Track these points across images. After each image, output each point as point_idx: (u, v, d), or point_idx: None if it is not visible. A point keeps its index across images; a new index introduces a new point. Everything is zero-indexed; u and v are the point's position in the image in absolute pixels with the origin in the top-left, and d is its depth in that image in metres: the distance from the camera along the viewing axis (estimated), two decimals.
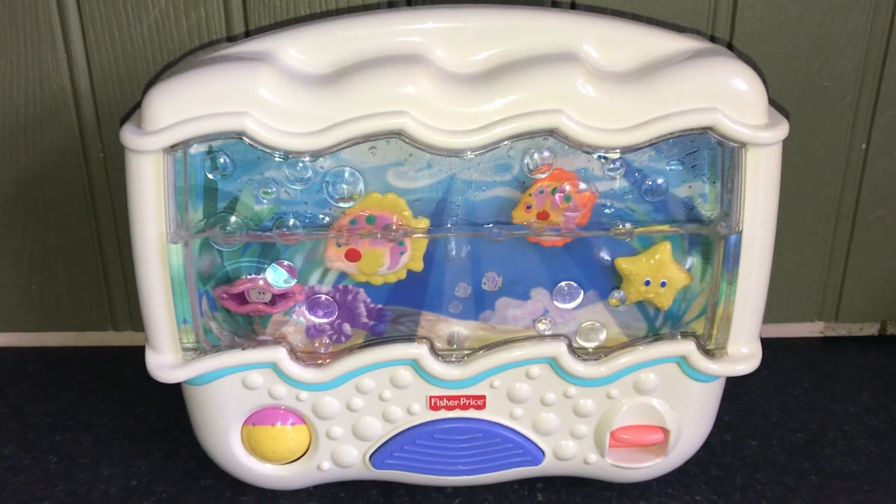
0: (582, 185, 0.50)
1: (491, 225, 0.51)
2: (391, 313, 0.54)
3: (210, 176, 0.50)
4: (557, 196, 0.50)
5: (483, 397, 0.54)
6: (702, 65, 0.49)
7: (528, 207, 0.51)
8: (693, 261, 0.53)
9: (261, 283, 0.52)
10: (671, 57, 0.50)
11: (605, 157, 0.50)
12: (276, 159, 0.49)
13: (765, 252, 0.52)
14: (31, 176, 0.67)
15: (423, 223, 0.51)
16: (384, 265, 0.52)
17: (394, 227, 0.50)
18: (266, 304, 0.53)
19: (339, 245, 0.51)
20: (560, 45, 0.50)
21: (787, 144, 0.50)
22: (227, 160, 0.50)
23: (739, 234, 0.51)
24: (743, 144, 0.49)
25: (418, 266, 0.52)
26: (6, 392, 0.68)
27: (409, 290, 0.53)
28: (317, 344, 0.54)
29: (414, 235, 0.51)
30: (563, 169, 0.50)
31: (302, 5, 0.63)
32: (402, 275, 0.52)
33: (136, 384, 0.68)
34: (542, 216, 0.51)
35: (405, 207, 0.51)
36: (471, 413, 0.55)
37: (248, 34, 0.63)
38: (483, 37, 0.50)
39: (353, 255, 0.51)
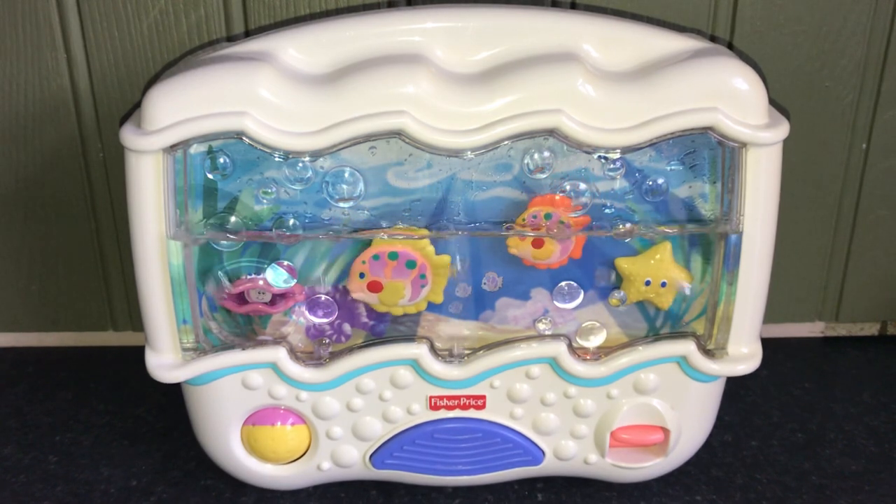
0: (573, 211, 0.50)
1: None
2: (391, 313, 0.54)
3: (210, 176, 0.50)
4: (548, 224, 0.50)
5: (483, 397, 0.54)
6: (702, 65, 0.49)
7: (523, 237, 0.51)
8: (693, 261, 0.53)
9: (261, 283, 0.52)
10: (671, 57, 0.50)
11: (605, 157, 0.50)
12: (276, 159, 0.49)
13: (765, 252, 0.52)
14: (31, 176, 0.67)
15: (445, 259, 0.51)
16: (405, 297, 0.52)
17: (417, 263, 0.51)
18: (266, 304, 0.53)
19: (361, 276, 0.51)
20: (560, 45, 0.50)
21: (787, 144, 0.50)
22: (227, 160, 0.50)
23: (739, 234, 0.51)
24: (743, 144, 0.49)
25: (438, 298, 0.52)
26: (6, 392, 0.68)
27: None
28: (317, 344, 0.54)
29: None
30: (554, 194, 0.50)
31: (302, 5, 0.63)
32: (423, 306, 0.53)
33: (135, 384, 0.68)
34: (537, 244, 0.51)
35: (428, 244, 0.51)
36: (471, 413, 0.55)
37: (248, 34, 0.63)
38: (483, 37, 0.50)
39: (374, 287, 0.51)
